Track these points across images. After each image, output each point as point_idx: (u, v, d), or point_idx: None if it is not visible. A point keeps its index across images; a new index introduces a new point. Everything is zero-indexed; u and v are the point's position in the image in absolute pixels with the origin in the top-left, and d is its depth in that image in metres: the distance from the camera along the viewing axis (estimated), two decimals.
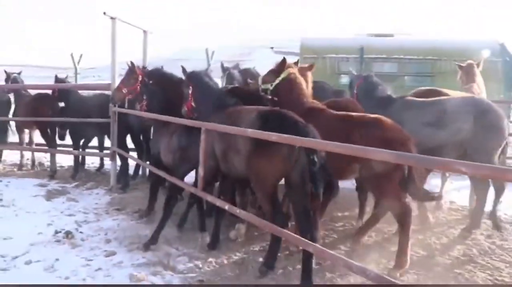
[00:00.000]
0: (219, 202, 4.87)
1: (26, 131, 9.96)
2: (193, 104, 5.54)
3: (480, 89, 7.49)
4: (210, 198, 4.96)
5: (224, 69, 7.79)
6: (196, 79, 5.59)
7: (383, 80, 7.67)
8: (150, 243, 5.38)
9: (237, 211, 4.57)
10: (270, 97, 5.48)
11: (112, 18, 8.01)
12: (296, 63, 5.98)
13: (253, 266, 4.92)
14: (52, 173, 9.00)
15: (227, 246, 5.48)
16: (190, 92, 5.54)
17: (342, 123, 4.91)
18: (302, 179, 4.26)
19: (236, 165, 4.69)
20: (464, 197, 7.32)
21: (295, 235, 3.96)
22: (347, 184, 7.69)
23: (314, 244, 3.73)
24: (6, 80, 10.29)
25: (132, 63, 7.07)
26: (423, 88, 7.19)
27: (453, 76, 8.50)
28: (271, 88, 5.43)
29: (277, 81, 5.40)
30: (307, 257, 4.27)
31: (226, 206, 4.67)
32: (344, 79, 11.02)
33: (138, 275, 4.57)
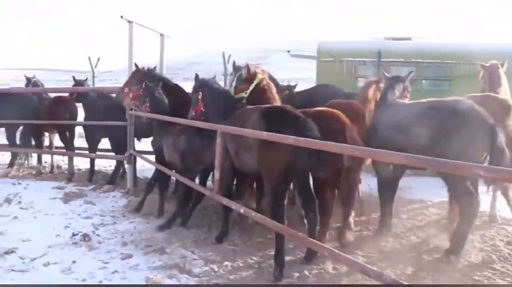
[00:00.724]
0: (234, 205, 4.86)
1: (46, 134, 10.06)
2: (202, 109, 5.90)
3: (507, 93, 7.01)
4: (225, 201, 4.97)
5: (236, 69, 7.86)
6: (206, 85, 5.98)
7: None
8: (165, 227, 6.00)
9: (253, 214, 4.55)
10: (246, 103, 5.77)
11: (129, 21, 8.08)
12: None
13: (269, 270, 4.89)
14: (70, 176, 9.09)
15: (243, 249, 5.47)
16: (200, 97, 5.89)
17: None
18: (303, 168, 4.75)
19: (248, 161, 5.06)
20: (484, 203, 7.19)
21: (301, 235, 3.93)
22: (363, 187, 7.64)
23: (329, 247, 3.70)
24: (27, 85, 10.41)
25: (136, 65, 7.23)
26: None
27: (472, 80, 8.37)
28: (246, 95, 5.81)
29: (251, 88, 5.80)
30: (279, 239, 4.71)
31: (242, 209, 4.66)
32: (362, 83, 10.95)
33: (154, 278, 4.59)
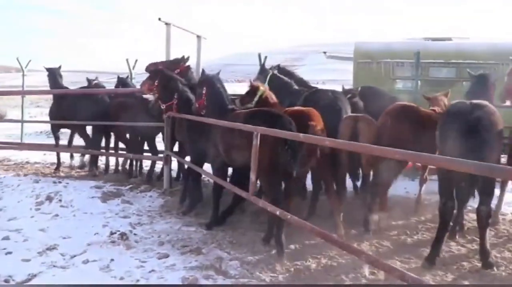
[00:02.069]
0: (270, 207, 4.84)
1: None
2: (205, 103, 6.46)
3: None
4: (261, 203, 4.96)
5: (263, 72, 7.91)
6: (210, 82, 6.52)
7: (441, 86, 7.41)
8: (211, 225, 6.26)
9: (288, 216, 4.52)
10: None
11: (166, 24, 8.20)
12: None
13: (305, 273, 4.87)
14: (129, 176, 9.27)
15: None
16: (203, 92, 6.43)
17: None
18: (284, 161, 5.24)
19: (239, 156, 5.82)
20: None
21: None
22: (400, 191, 7.49)
23: (367, 252, 3.64)
24: (88, 87, 10.62)
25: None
26: None
27: None
28: (252, 106, 6.48)
29: (256, 99, 6.57)
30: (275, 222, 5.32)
31: (277, 211, 4.63)
32: (399, 84, 10.75)
33: (190, 278, 4.61)
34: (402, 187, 7.09)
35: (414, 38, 12.45)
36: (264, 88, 6.70)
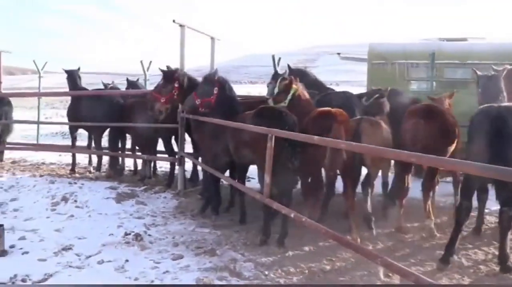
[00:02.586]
0: (284, 210, 4.83)
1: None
2: (213, 102, 6.62)
3: None
4: (275, 205, 4.95)
5: (276, 76, 7.89)
6: (226, 84, 6.73)
7: (456, 87, 7.33)
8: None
9: (303, 219, 4.50)
10: None
11: (181, 25, 8.21)
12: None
13: (319, 275, 4.84)
14: (142, 177, 9.29)
15: (293, 253, 5.43)
16: (215, 92, 6.60)
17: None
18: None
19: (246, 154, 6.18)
20: None
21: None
22: (416, 193, 7.41)
23: (382, 256, 3.60)
24: (104, 89, 10.71)
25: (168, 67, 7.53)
26: None
27: None
28: (285, 105, 6.36)
29: (289, 97, 6.40)
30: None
31: (292, 214, 4.61)
32: (414, 85, 10.65)
33: (205, 280, 4.62)
34: (417, 189, 6.99)
35: (429, 39, 12.34)
36: (296, 86, 6.56)
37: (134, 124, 9.00)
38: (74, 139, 10.59)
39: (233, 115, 6.48)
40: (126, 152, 10.38)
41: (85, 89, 10.55)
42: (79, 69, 10.63)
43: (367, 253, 3.71)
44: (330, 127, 5.50)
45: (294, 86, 6.51)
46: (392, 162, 7.07)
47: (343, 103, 6.61)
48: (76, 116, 10.04)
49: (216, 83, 6.66)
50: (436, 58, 9.71)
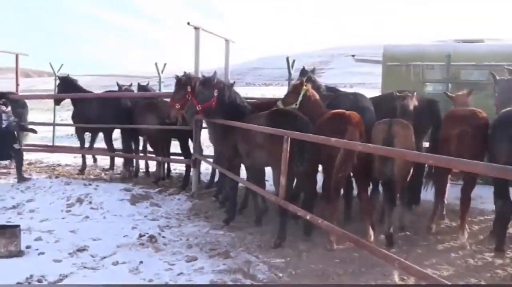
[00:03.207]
0: (300, 212, 4.81)
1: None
2: (214, 106, 6.58)
3: None
4: (291, 207, 4.93)
5: (303, 73, 7.86)
6: (226, 87, 6.66)
7: (473, 89, 7.21)
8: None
9: (319, 221, 4.47)
10: None
11: (195, 28, 8.23)
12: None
13: (333, 278, 4.81)
14: (156, 179, 9.33)
15: (307, 256, 5.40)
16: (215, 95, 6.54)
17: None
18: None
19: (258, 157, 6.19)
20: None
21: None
22: (431, 196, 7.34)
23: (399, 258, 3.56)
24: (119, 91, 10.79)
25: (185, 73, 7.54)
26: None
27: None
28: (296, 107, 6.35)
29: (300, 99, 6.38)
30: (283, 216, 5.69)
31: (308, 216, 4.59)
32: (429, 87, 10.53)
33: (219, 282, 4.61)
34: (432, 193, 6.92)
35: (444, 40, 12.21)
36: (307, 87, 6.55)
37: (152, 126, 9.03)
38: (82, 141, 10.72)
39: (239, 117, 6.44)
40: (140, 154, 10.45)
41: (87, 91, 10.80)
42: (68, 75, 11.05)
43: (384, 256, 3.67)
44: (345, 129, 5.47)
45: (304, 87, 6.49)
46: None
47: (352, 105, 6.55)
48: (83, 118, 10.24)
49: (215, 86, 6.62)
50: (452, 60, 9.60)
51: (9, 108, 9.31)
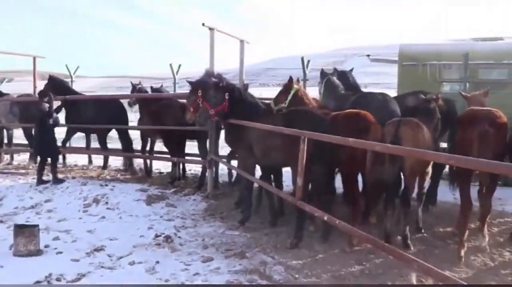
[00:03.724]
0: (317, 213, 4.78)
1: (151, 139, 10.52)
2: (226, 110, 6.62)
3: None
4: (308, 208, 4.91)
5: (323, 75, 7.85)
6: (236, 89, 6.72)
7: (491, 88, 7.11)
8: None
9: (336, 221, 4.44)
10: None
11: (210, 28, 8.23)
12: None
13: (350, 279, 4.78)
14: (172, 180, 9.34)
15: (324, 257, 5.37)
16: (227, 98, 6.58)
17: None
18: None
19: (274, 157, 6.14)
20: None
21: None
22: (449, 197, 7.26)
23: (418, 260, 3.51)
24: (132, 91, 10.90)
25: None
26: None
27: None
28: (285, 105, 6.50)
29: (289, 98, 6.53)
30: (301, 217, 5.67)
31: (325, 217, 4.56)
32: (446, 87, 10.41)
33: (235, 282, 4.60)
34: (450, 194, 6.84)
35: (462, 39, 12.08)
36: (298, 86, 6.60)
37: (173, 127, 9.05)
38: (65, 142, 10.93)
39: (252, 117, 6.38)
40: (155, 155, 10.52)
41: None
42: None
43: (402, 257, 3.62)
44: (368, 128, 5.51)
45: (294, 86, 6.60)
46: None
47: (381, 104, 6.51)
48: (76, 119, 10.51)
49: (226, 90, 6.65)
50: (469, 59, 9.47)
51: (53, 106, 9.37)
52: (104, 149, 10.79)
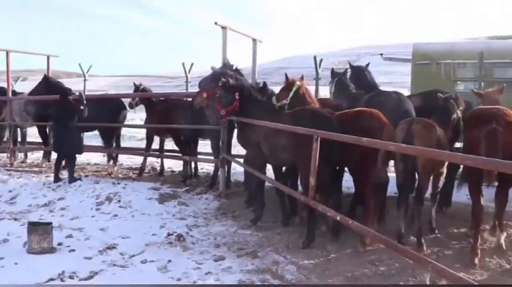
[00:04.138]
0: (330, 213, 4.75)
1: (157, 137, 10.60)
2: (237, 109, 6.69)
3: None
4: (321, 208, 4.88)
5: (334, 75, 7.79)
6: (246, 89, 6.78)
7: (507, 87, 7.01)
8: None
9: (350, 221, 4.41)
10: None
11: (223, 27, 8.23)
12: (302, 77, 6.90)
13: (362, 279, 4.74)
14: (184, 178, 9.38)
15: (336, 257, 5.34)
16: (237, 98, 6.65)
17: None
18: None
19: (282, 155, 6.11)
20: None
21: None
22: (462, 198, 7.18)
23: (432, 261, 3.47)
24: (135, 91, 10.92)
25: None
26: None
27: None
28: (287, 102, 6.43)
29: (291, 95, 6.43)
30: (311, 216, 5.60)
31: (338, 217, 4.53)
32: (461, 86, 10.30)
33: (247, 282, 4.59)
34: (463, 194, 6.75)
35: (476, 38, 11.94)
36: (300, 83, 6.55)
37: (185, 126, 9.08)
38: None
39: (262, 116, 6.36)
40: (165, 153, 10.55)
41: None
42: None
43: (417, 259, 3.58)
44: (382, 127, 5.48)
45: (296, 83, 6.54)
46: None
47: (395, 103, 6.45)
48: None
49: (236, 89, 6.72)
50: (484, 57, 9.36)
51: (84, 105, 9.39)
52: (108, 147, 10.88)
